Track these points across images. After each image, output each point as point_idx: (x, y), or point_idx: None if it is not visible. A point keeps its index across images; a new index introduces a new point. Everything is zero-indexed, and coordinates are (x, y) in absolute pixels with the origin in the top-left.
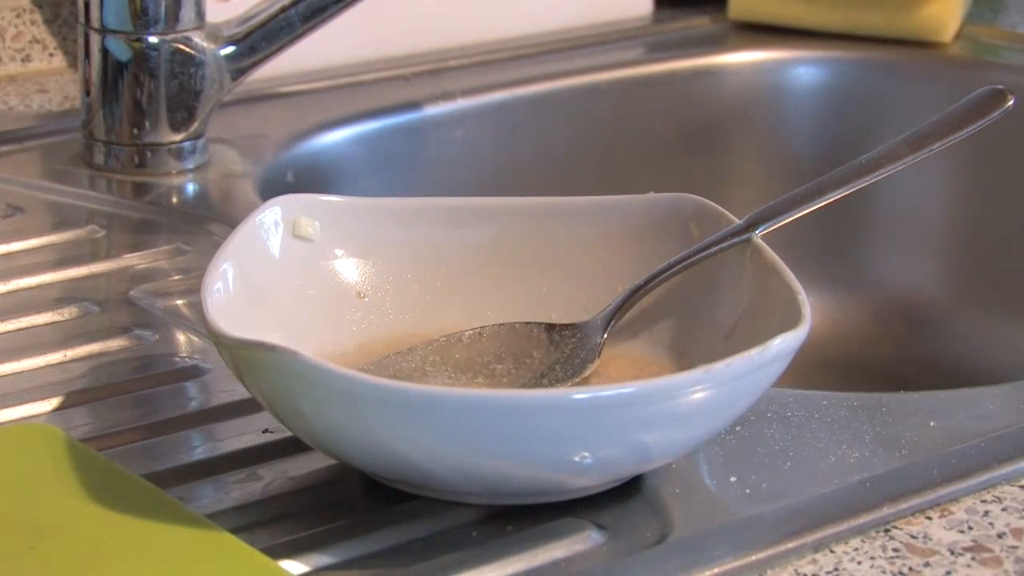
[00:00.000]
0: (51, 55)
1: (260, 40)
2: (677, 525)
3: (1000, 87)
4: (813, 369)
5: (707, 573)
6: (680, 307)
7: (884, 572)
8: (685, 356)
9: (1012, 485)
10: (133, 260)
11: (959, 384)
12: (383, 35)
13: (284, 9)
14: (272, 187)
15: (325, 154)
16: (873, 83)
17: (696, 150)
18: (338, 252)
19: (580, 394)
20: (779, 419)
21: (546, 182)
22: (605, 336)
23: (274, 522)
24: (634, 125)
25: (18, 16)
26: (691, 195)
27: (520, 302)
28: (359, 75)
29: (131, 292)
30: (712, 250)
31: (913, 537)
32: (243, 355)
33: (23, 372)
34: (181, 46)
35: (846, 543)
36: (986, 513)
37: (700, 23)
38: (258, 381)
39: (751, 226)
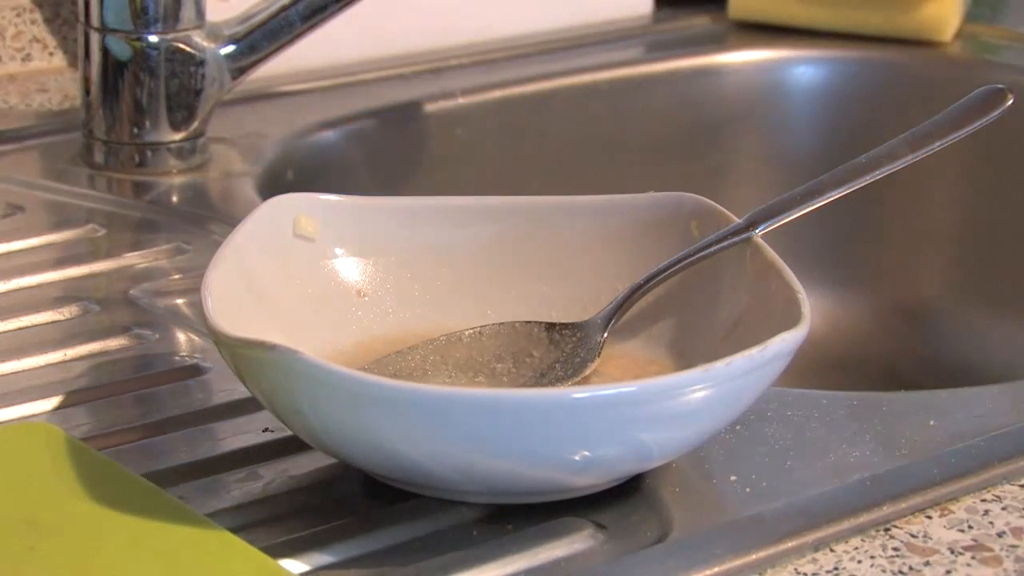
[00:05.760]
0: (51, 54)
1: (260, 39)
2: (677, 524)
3: (1000, 86)
4: (813, 369)
5: (707, 572)
6: (680, 307)
7: (884, 571)
8: (685, 355)
9: (1012, 484)
10: (133, 259)
11: (959, 384)
12: (383, 34)
13: (284, 8)
14: (272, 186)
15: (325, 153)
16: (873, 83)
17: (696, 150)
18: (338, 251)
19: (580, 393)
20: (779, 419)
21: (546, 182)
22: (605, 335)
23: (274, 521)
24: (634, 125)
25: (18, 15)
26: (691, 194)
27: (520, 301)
28: (359, 74)
29: (131, 291)
30: (712, 249)
31: (913, 536)
32: (243, 354)
33: (23, 371)
34: (181, 45)
35: (846, 542)
36: (986, 512)
37: (700, 23)
38: (258, 380)
39: (751, 225)
